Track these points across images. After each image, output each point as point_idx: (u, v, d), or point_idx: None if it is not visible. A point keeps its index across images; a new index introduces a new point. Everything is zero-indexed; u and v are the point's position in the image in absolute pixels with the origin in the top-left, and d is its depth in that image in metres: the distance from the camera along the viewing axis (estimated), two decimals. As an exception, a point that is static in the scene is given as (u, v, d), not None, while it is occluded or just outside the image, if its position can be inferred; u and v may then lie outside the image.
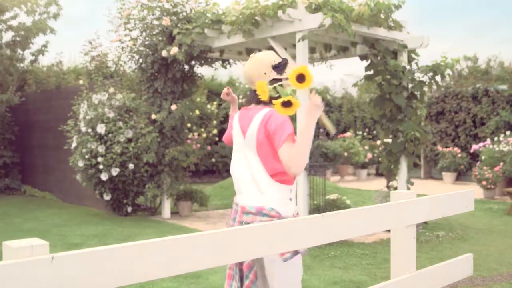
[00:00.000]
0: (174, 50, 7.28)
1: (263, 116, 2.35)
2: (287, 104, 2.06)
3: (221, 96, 2.77)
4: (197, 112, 8.15)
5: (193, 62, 7.96)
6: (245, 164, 2.41)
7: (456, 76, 15.08)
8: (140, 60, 7.91)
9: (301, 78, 2.07)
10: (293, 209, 2.38)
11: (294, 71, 2.06)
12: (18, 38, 11.01)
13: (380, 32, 6.57)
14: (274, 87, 2.15)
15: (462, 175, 13.27)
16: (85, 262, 1.32)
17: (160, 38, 7.62)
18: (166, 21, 7.50)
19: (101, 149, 7.53)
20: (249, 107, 2.48)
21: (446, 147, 13.66)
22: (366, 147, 14.22)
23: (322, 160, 12.70)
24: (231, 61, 8.66)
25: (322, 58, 8.27)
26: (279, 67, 2.41)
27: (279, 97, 2.12)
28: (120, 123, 7.64)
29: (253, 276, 2.29)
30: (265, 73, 2.41)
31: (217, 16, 7.06)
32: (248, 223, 2.28)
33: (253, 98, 2.45)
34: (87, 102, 7.91)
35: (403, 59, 6.86)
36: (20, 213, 8.35)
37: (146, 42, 7.77)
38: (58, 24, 38.73)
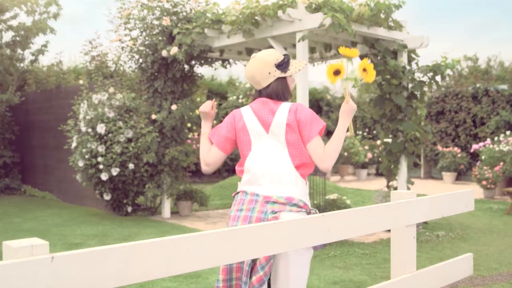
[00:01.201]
0: (174, 50, 7.28)
1: (289, 106, 2.40)
2: (337, 72, 2.37)
3: (202, 106, 2.64)
4: (197, 112, 8.15)
5: (193, 62, 7.96)
6: (269, 156, 2.38)
7: (456, 76, 15.08)
8: (140, 60, 7.91)
9: (364, 70, 2.37)
10: (310, 204, 2.42)
11: (360, 64, 2.37)
12: (18, 38, 11.02)
13: (380, 32, 6.57)
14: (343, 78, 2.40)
15: (462, 175, 13.27)
16: (85, 262, 1.32)
17: (160, 38, 7.62)
18: (166, 21, 7.50)
19: (101, 149, 7.53)
20: (261, 102, 2.45)
21: (446, 147, 13.66)
22: (366, 147, 14.23)
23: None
24: (231, 61, 8.66)
25: (322, 58, 8.27)
26: (283, 65, 2.44)
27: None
28: (120, 123, 7.64)
29: (268, 269, 2.26)
30: (269, 73, 2.43)
31: (217, 16, 7.07)
32: (276, 212, 2.28)
33: (272, 94, 2.45)
34: (87, 102, 7.91)
35: (403, 59, 6.87)
36: (20, 213, 8.35)
37: (146, 42, 7.77)
38: (58, 24, 38.74)
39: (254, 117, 2.43)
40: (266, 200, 2.32)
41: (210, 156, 2.50)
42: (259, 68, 2.43)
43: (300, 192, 2.36)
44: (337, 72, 2.38)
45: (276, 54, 2.47)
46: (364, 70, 2.38)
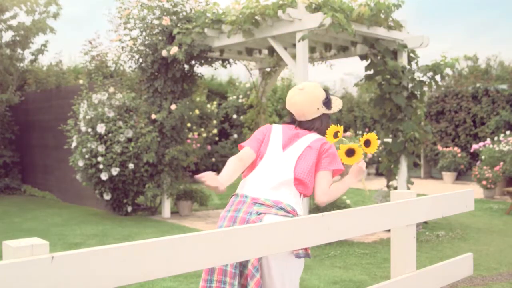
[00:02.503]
0: (174, 49, 7.27)
1: (318, 136, 2.53)
2: (350, 152, 2.44)
3: None
4: (197, 111, 8.15)
5: (193, 62, 7.96)
6: (271, 167, 2.46)
7: (456, 75, 15.08)
8: (140, 60, 7.91)
9: (368, 143, 2.47)
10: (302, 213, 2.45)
11: (362, 138, 2.47)
12: (18, 38, 11.01)
13: (380, 31, 6.57)
14: (339, 138, 2.48)
15: (462, 175, 13.27)
16: (85, 262, 1.32)
17: (160, 37, 7.62)
18: (166, 21, 7.50)
19: (101, 148, 7.53)
20: (293, 128, 2.59)
21: (446, 146, 13.66)
22: (366, 147, 14.21)
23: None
24: (231, 60, 8.66)
25: (322, 58, 8.27)
26: (328, 102, 2.60)
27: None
28: (120, 123, 7.64)
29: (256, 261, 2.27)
30: (318, 108, 2.57)
31: (217, 16, 7.06)
32: (260, 214, 2.29)
33: (313, 129, 2.58)
34: (87, 101, 7.91)
35: (402, 59, 6.86)
36: (20, 213, 8.35)
37: (146, 42, 7.76)
38: (58, 24, 38.73)
39: (280, 136, 2.56)
40: (254, 201, 2.35)
41: (243, 152, 2.67)
42: (310, 102, 2.57)
43: (291, 199, 2.38)
44: (350, 152, 2.47)
45: (322, 89, 2.63)
46: (367, 142, 2.46)
